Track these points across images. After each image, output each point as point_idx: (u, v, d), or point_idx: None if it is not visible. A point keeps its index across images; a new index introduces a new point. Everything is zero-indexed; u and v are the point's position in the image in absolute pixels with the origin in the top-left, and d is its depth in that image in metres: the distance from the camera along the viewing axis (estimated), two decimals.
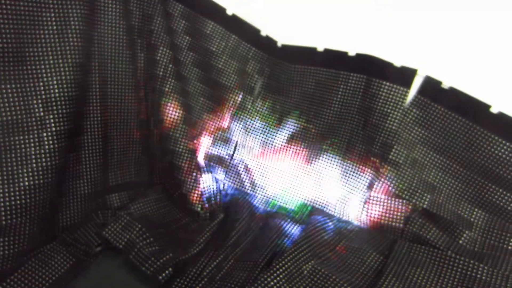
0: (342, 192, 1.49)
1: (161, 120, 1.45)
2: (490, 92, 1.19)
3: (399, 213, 1.35)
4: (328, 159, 1.51)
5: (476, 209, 1.28)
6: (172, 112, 1.43)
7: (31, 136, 1.10)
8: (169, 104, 1.42)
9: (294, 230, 1.37)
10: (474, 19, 1.19)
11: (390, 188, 1.34)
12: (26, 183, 1.09)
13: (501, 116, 1.17)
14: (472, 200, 1.28)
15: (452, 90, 1.23)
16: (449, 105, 1.25)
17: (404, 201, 1.34)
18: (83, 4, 1.20)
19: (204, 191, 1.47)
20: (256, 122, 1.60)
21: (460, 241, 1.26)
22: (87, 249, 1.26)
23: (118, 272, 1.24)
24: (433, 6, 1.23)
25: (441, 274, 1.16)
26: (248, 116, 1.59)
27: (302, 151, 1.56)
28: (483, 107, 1.19)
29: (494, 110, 1.18)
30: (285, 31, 1.48)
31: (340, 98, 1.43)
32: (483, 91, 1.19)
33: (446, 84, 1.24)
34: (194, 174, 1.45)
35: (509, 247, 1.19)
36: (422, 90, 1.28)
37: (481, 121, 1.21)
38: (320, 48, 1.42)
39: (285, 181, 1.59)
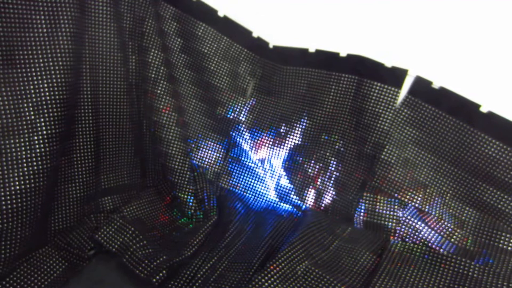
0: (335, 192, 1.49)
1: (154, 122, 1.45)
2: (480, 92, 1.20)
3: (391, 212, 1.36)
4: (321, 159, 1.51)
5: (467, 208, 1.29)
6: (165, 114, 1.43)
7: (22, 140, 1.09)
8: (161, 106, 1.42)
9: (287, 230, 1.38)
10: (464, 18, 1.20)
11: (382, 187, 1.35)
12: (17, 187, 1.08)
13: (491, 115, 1.18)
14: (463, 198, 1.29)
15: (443, 90, 1.24)
16: (440, 105, 1.26)
17: (397, 200, 1.35)
18: (73, 7, 1.19)
19: (197, 193, 1.47)
20: (250, 123, 1.60)
21: (452, 240, 1.27)
22: (80, 253, 1.25)
23: (111, 276, 1.24)
24: (423, 6, 1.24)
25: (434, 272, 1.17)
26: (241, 117, 1.59)
27: (295, 150, 1.56)
28: (473, 107, 1.20)
29: (484, 109, 1.19)
30: (277, 32, 1.48)
31: (332, 99, 1.44)
32: (473, 90, 1.21)
33: (436, 84, 1.25)
34: (187, 176, 1.45)
35: (500, 245, 1.20)
36: (412, 90, 1.29)
37: (472, 120, 1.22)
38: (312, 49, 1.42)
39: (278, 181, 1.59)
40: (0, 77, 1.07)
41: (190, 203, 1.45)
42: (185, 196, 1.45)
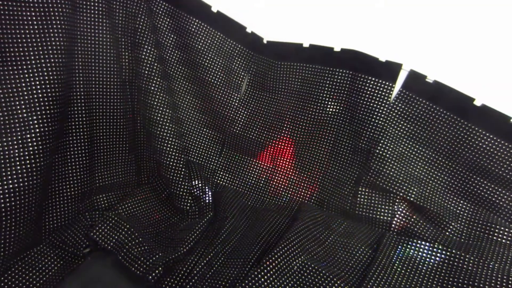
0: (330, 187, 1.49)
1: (148, 119, 1.44)
2: (474, 85, 1.20)
3: (386, 207, 1.37)
4: (316, 155, 1.52)
5: (461, 201, 1.30)
6: (159, 110, 1.42)
7: (14, 138, 1.08)
8: (155, 103, 1.41)
9: (283, 226, 1.38)
10: (457, 12, 1.20)
11: (378, 182, 1.36)
12: (11, 186, 1.07)
13: (484, 109, 1.19)
14: (458, 192, 1.30)
15: (437, 84, 1.24)
16: (434, 99, 1.26)
17: (392, 194, 1.35)
18: (65, 3, 1.18)
19: (193, 189, 1.47)
20: (244, 120, 1.60)
21: (447, 233, 1.27)
22: (75, 251, 1.25)
23: (107, 273, 1.23)
24: (417, 1, 1.24)
25: (429, 266, 1.18)
26: (235, 114, 1.59)
27: (291, 147, 1.56)
28: (467, 100, 1.21)
29: (478, 103, 1.19)
30: (271, 27, 1.48)
31: (327, 94, 1.44)
32: (467, 84, 1.21)
33: (430, 78, 1.25)
34: (182, 172, 1.44)
35: (494, 237, 1.21)
36: (407, 85, 1.29)
37: (465, 114, 1.23)
38: (306, 44, 1.42)
39: (274, 178, 1.59)
40: None
41: (186, 200, 1.44)
42: (181, 193, 1.44)
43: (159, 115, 1.42)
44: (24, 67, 1.11)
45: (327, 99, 1.45)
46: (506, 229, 1.21)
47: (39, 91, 1.13)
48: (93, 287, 1.19)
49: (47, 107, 1.14)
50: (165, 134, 1.43)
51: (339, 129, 1.46)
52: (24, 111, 1.10)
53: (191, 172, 1.51)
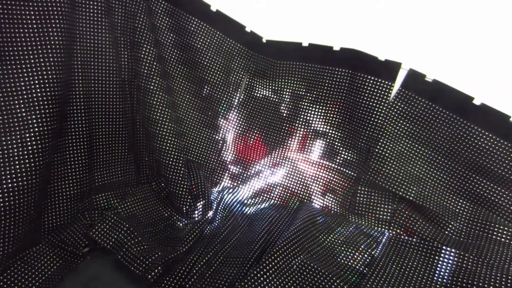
0: (330, 186, 1.49)
1: (147, 118, 1.44)
2: (474, 84, 1.20)
3: (386, 206, 1.37)
4: (316, 153, 1.52)
5: (461, 200, 1.30)
6: (158, 110, 1.42)
7: (13, 137, 1.07)
8: (154, 102, 1.41)
9: (283, 225, 1.38)
10: (458, 12, 1.20)
11: (377, 181, 1.36)
12: (10, 185, 1.07)
13: (484, 108, 1.19)
14: (457, 191, 1.30)
15: (436, 83, 1.24)
16: (433, 98, 1.26)
17: (391, 193, 1.35)
18: (64, 2, 1.18)
19: (192, 188, 1.47)
20: (243, 119, 1.60)
21: (446, 232, 1.27)
22: (74, 250, 1.25)
23: (107, 273, 1.23)
24: (417, 1, 1.24)
25: (428, 265, 1.18)
26: (234, 114, 1.59)
27: (290, 146, 1.56)
28: (467, 99, 1.20)
29: (477, 102, 1.19)
30: (270, 26, 1.47)
31: (326, 93, 1.44)
32: (466, 83, 1.21)
33: (430, 77, 1.25)
34: (182, 172, 1.44)
35: (493, 236, 1.21)
36: (406, 84, 1.29)
37: (465, 113, 1.22)
38: (305, 43, 1.42)
39: (274, 177, 1.59)
40: None
41: (185, 199, 1.44)
42: (180, 192, 1.44)
43: (159, 114, 1.42)
44: (23, 66, 1.10)
45: (326, 98, 1.45)
46: (505, 228, 1.21)
47: (38, 90, 1.12)
48: (92, 286, 1.19)
49: (46, 106, 1.14)
50: (164, 133, 1.42)
51: (338, 128, 1.45)
52: (23, 110, 1.10)
53: (191, 171, 1.51)
